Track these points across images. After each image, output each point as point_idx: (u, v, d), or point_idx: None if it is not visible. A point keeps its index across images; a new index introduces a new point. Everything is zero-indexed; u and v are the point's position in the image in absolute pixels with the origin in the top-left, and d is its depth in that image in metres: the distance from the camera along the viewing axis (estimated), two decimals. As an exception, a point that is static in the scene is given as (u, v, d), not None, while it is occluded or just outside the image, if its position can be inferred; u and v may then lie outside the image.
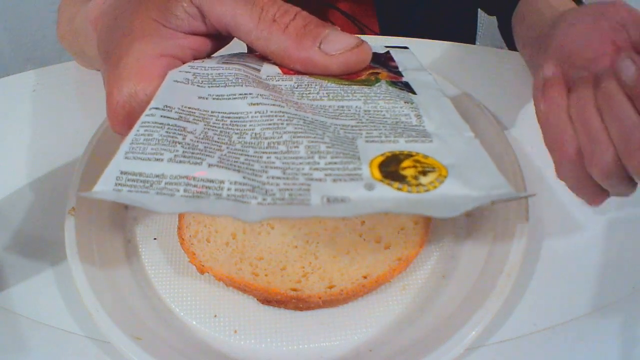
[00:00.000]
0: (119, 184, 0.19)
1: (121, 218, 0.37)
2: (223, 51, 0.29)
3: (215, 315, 0.32)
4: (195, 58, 0.27)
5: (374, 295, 0.32)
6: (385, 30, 0.57)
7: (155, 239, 0.36)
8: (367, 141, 0.22)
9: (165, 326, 0.31)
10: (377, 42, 0.30)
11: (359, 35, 0.26)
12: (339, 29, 0.26)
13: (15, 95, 0.47)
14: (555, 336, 0.30)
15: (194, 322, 0.31)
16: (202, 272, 0.31)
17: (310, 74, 0.26)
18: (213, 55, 0.28)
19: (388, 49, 0.31)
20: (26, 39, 1.13)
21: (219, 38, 0.27)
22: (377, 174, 0.20)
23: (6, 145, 0.43)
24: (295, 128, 0.22)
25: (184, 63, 0.26)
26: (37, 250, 0.36)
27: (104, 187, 0.19)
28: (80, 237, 0.32)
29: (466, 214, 0.36)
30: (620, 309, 0.31)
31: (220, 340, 0.31)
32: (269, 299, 0.31)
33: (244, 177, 0.19)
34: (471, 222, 0.35)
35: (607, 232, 0.35)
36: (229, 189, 0.19)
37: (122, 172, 0.19)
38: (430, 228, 0.33)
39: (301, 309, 0.31)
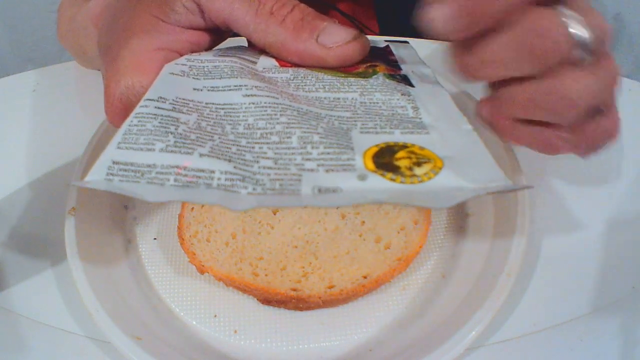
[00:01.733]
0: (110, 174, 0.19)
1: (121, 218, 0.37)
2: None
3: (215, 315, 0.32)
4: (194, 52, 0.27)
5: (374, 295, 0.32)
6: (385, 30, 0.57)
7: (155, 239, 0.36)
8: (361, 132, 0.21)
9: (165, 326, 0.31)
10: (378, 39, 0.30)
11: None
12: (337, 21, 0.26)
13: (15, 95, 0.47)
14: (555, 336, 0.30)
15: (194, 322, 0.31)
16: (202, 272, 0.31)
17: (307, 67, 0.26)
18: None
19: (388, 43, 0.31)
20: (26, 39, 1.13)
21: (217, 32, 0.28)
22: (371, 164, 0.19)
23: (6, 145, 0.43)
24: (289, 119, 0.22)
25: (181, 56, 0.26)
26: (37, 250, 0.36)
27: (96, 176, 0.19)
28: (80, 237, 0.32)
29: (466, 213, 0.36)
30: (620, 309, 0.31)
31: (220, 340, 0.31)
32: (269, 299, 0.31)
33: (234, 167, 0.19)
34: (471, 222, 0.35)
35: (607, 232, 0.35)
36: (219, 179, 0.19)
37: (114, 162, 0.19)
38: (430, 228, 0.33)
39: (301, 309, 0.31)
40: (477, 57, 0.23)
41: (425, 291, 0.32)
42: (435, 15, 0.22)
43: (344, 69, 0.26)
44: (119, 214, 0.37)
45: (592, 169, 0.38)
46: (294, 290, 0.30)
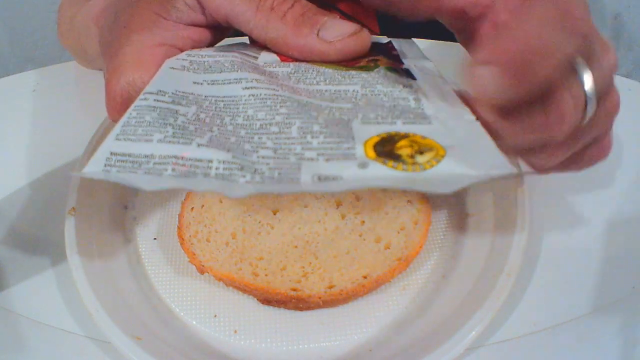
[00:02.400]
0: (108, 165, 0.19)
1: (121, 218, 0.37)
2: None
3: (215, 315, 0.32)
4: (195, 48, 0.27)
5: (374, 295, 0.32)
6: (386, 31, 0.57)
7: (155, 239, 0.36)
8: (363, 123, 0.21)
9: (165, 326, 0.31)
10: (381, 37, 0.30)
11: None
12: (338, 16, 0.26)
13: (15, 95, 0.47)
14: (555, 336, 0.30)
15: (194, 322, 0.31)
16: (202, 272, 0.31)
17: (309, 62, 0.26)
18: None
19: (390, 39, 0.31)
20: (26, 39, 1.12)
21: (218, 29, 0.28)
22: (372, 153, 0.19)
23: (6, 145, 0.43)
24: (289, 110, 0.22)
25: (183, 52, 0.26)
26: (37, 250, 0.36)
27: (94, 167, 0.19)
28: (80, 237, 0.32)
29: (466, 213, 0.36)
30: (620, 309, 0.31)
31: (220, 340, 0.31)
32: (269, 299, 0.31)
33: (233, 157, 0.19)
34: (471, 222, 0.35)
35: (607, 232, 0.35)
36: (217, 168, 0.19)
37: (112, 153, 0.19)
38: (430, 228, 0.33)
39: (301, 309, 0.31)
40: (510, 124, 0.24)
41: (425, 291, 0.32)
42: (483, 74, 0.22)
43: (346, 63, 0.26)
44: (119, 214, 0.37)
45: (592, 168, 0.38)
46: (294, 290, 0.30)
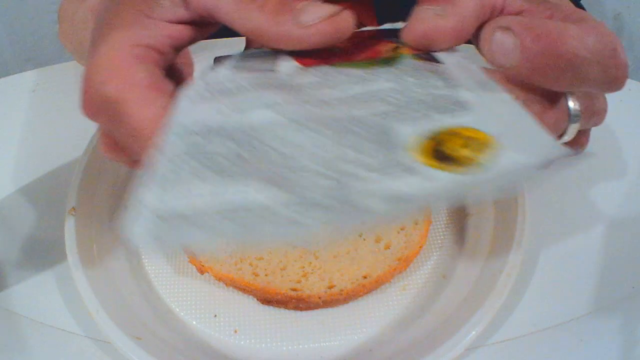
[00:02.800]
0: (158, 233, 0.17)
1: (121, 218, 0.37)
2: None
3: (215, 315, 0.32)
4: (176, 47, 0.27)
5: (374, 295, 0.32)
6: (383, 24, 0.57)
7: (155, 239, 0.36)
8: (403, 124, 0.20)
9: (165, 326, 0.31)
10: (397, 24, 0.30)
11: None
12: (320, 1, 0.25)
13: (15, 95, 0.47)
14: (555, 336, 0.30)
15: (194, 322, 0.31)
16: (202, 272, 0.31)
17: (309, 56, 0.26)
18: (221, 61, 0.28)
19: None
20: (26, 39, 1.12)
21: (200, 25, 0.28)
22: (426, 159, 0.18)
23: (6, 145, 0.43)
24: (328, 128, 0.21)
25: (160, 53, 0.26)
26: (37, 250, 0.36)
27: (143, 237, 0.17)
28: (80, 237, 0.32)
29: (466, 213, 0.36)
30: (620, 309, 0.31)
31: (220, 340, 0.31)
32: (269, 299, 0.31)
33: (287, 193, 0.18)
34: (471, 222, 0.35)
35: (607, 232, 0.35)
36: (278, 209, 0.17)
37: (158, 217, 0.18)
38: (430, 228, 0.33)
39: (301, 309, 0.31)
40: None
41: (425, 291, 0.32)
42: (502, 43, 0.21)
43: (367, 57, 0.25)
44: (119, 214, 0.37)
45: (592, 169, 0.38)
46: (294, 290, 0.30)
